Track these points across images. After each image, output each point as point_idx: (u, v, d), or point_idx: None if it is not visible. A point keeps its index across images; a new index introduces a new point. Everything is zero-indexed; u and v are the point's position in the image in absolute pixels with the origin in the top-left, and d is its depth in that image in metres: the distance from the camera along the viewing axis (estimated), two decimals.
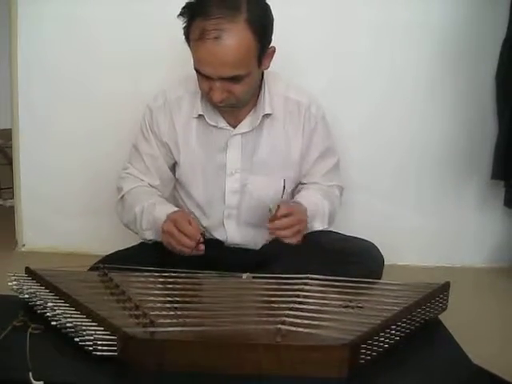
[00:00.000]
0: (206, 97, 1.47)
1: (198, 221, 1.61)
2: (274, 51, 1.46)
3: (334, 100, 1.99)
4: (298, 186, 1.68)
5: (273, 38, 1.43)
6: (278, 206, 1.41)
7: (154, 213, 1.50)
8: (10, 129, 2.29)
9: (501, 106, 2.15)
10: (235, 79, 1.38)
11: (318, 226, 1.59)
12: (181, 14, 1.39)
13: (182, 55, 1.44)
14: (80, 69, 2.16)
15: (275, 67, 1.51)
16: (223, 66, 1.36)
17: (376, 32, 2.13)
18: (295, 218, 1.43)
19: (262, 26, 1.38)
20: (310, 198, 1.57)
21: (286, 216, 1.42)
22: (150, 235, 1.53)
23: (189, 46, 1.40)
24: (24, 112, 2.23)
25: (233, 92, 1.41)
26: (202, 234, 1.42)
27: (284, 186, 1.50)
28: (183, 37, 1.40)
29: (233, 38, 1.33)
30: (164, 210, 1.49)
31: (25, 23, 2.16)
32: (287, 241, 1.44)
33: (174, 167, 1.66)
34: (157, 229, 1.49)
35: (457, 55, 2.14)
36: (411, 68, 2.16)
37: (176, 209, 1.52)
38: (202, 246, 1.41)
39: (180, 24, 1.39)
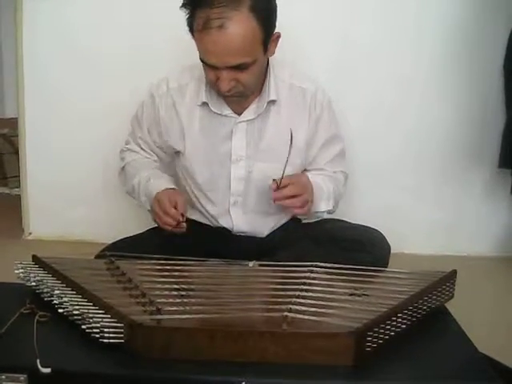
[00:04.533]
0: (214, 87, 1.47)
1: (201, 205, 1.64)
2: (278, 37, 1.45)
3: (339, 86, 1.98)
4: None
5: (277, 24, 1.42)
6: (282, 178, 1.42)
7: (148, 187, 1.57)
8: (17, 118, 2.29)
9: (508, 95, 2.13)
10: (241, 67, 1.38)
11: (324, 206, 1.58)
12: (183, 5, 1.38)
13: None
14: (87, 56, 2.15)
15: (280, 53, 1.51)
16: (228, 54, 1.35)
17: (383, 20, 2.11)
18: (298, 185, 1.45)
19: (265, 12, 1.37)
20: (313, 179, 1.56)
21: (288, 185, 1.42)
22: (147, 206, 1.59)
23: (193, 37, 1.39)
24: (30, 101, 2.23)
25: (240, 80, 1.41)
26: (182, 214, 1.45)
27: (287, 160, 1.44)
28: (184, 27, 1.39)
29: (237, 25, 1.32)
30: (157, 185, 1.55)
31: (29, 13, 2.15)
32: (295, 211, 1.46)
33: (169, 153, 1.68)
34: (151, 202, 1.55)
35: (466, 43, 2.12)
36: (418, 55, 2.14)
37: (168, 185, 1.55)
38: (184, 225, 1.46)
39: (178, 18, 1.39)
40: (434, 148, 2.23)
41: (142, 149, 1.69)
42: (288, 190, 1.42)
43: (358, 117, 2.14)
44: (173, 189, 1.56)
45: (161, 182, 1.56)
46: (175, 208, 1.45)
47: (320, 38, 2.11)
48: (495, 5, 2.09)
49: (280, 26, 1.43)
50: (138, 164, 1.67)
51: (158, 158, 1.70)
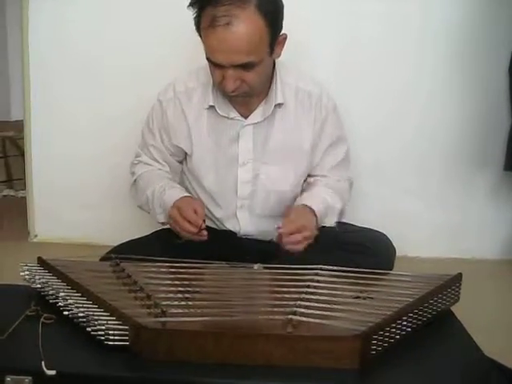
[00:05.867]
0: (219, 87, 1.47)
1: (207, 209, 1.62)
2: (285, 38, 1.45)
3: (343, 88, 1.98)
4: (307, 178, 1.67)
5: (283, 25, 1.43)
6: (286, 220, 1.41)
7: (163, 197, 1.53)
8: (22, 120, 2.30)
9: None
10: (247, 66, 1.38)
11: (327, 222, 1.58)
12: (191, 4, 1.38)
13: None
14: (93, 59, 2.16)
15: (286, 55, 1.51)
16: (235, 52, 1.35)
17: (386, 21, 2.11)
18: (302, 235, 1.41)
19: (272, 11, 1.37)
20: (321, 196, 1.56)
21: (293, 233, 1.40)
22: (161, 218, 1.56)
23: (200, 36, 1.40)
24: (36, 103, 2.24)
25: (245, 80, 1.41)
26: (204, 220, 1.43)
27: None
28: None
29: (243, 23, 1.33)
30: (173, 194, 1.52)
31: (34, 19, 2.16)
32: (291, 248, 1.42)
33: (182, 159, 1.66)
34: (166, 213, 1.51)
35: (470, 44, 2.12)
36: (422, 57, 2.14)
37: (185, 194, 1.54)
38: (205, 232, 1.43)
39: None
40: (438, 150, 2.23)
41: (154, 159, 1.65)
42: (293, 238, 1.40)
43: (361, 118, 2.14)
44: (190, 197, 1.55)
45: (176, 192, 1.54)
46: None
47: (323, 40, 2.12)
48: (499, 5, 2.09)
49: (284, 27, 1.43)
50: (151, 175, 1.63)
51: (169, 169, 1.66)
